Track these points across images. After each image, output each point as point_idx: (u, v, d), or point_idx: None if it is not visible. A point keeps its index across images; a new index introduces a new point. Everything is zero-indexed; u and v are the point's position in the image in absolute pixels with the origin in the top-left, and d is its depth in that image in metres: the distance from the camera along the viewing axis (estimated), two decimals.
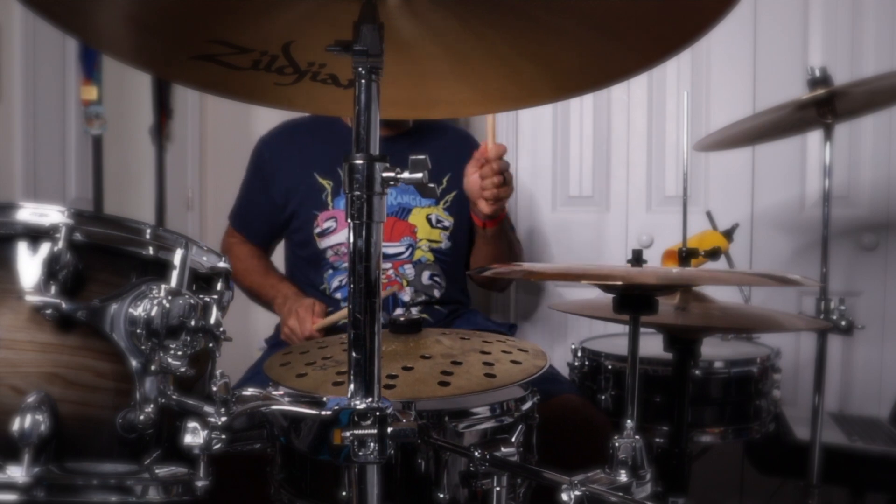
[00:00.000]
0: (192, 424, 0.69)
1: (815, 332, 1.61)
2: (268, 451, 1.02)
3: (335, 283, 1.71)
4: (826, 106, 1.53)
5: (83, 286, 0.70)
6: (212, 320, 0.74)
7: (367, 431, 0.69)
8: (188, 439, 0.69)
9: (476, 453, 0.88)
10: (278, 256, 1.91)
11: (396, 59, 0.77)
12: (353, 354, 0.70)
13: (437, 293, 1.73)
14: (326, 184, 1.72)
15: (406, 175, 0.71)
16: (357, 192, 0.69)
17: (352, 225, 0.70)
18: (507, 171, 1.54)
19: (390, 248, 1.70)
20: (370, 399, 0.70)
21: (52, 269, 0.67)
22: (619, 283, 0.92)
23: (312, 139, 1.79)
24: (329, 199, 1.71)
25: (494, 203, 1.55)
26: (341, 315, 1.55)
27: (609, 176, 2.34)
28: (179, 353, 0.71)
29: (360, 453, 0.70)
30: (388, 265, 1.69)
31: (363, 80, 0.71)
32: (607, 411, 1.57)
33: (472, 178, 1.56)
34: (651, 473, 0.86)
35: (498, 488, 0.89)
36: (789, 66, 2.09)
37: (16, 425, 0.63)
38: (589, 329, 2.18)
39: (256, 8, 0.76)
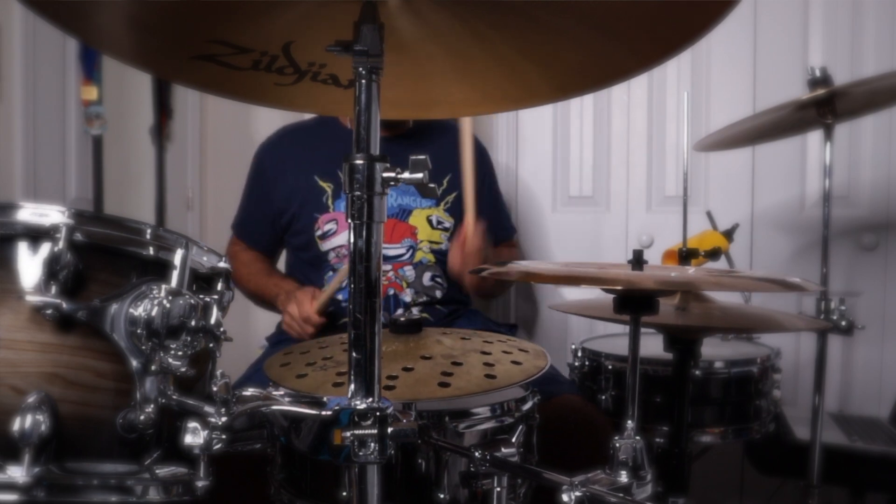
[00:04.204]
0: (192, 424, 0.69)
1: (815, 332, 1.61)
2: (268, 451, 1.02)
3: None
4: (826, 106, 1.53)
5: (83, 286, 0.70)
6: (212, 320, 0.74)
7: (367, 431, 0.69)
8: (188, 439, 0.69)
9: (476, 454, 0.88)
10: (279, 262, 1.92)
11: (396, 59, 0.77)
12: (354, 354, 0.70)
13: (438, 294, 1.73)
14: (327, 186, 1.72)
15: (406, 175, 0.71)
16: (357, 193, 0.69)
17: (352, 225, 0.70)
18: (486, 258, 1.61)
19: (391, 250, 1.70)
20: (370, 399, 0.70)
21: (52, 269, 0.67)
22: (619, 287, 0.92)
23: (311, 142, 1.79)
24: (329, 201, 1.71)
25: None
26: (337, 283, 1.54)
27: (609, 176, 2.34)
28: (180, 353, 0.71)
29: (361, 453, 0.70)
30: (388, 267, 1.69)
31: (363, 80, 0.71)
32: (607, 411, 1.57)
33: (455, 261, 1.63)
34: (652, 474, 0.86)
35: (498, 489, 0.89)
36: (789, 66, 2.09)
37: (16, 425, 0.63)
38: (589, 329, 2.18)
39: (256, 8, 0.76)
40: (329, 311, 1.67)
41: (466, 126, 1.56)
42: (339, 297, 1.70)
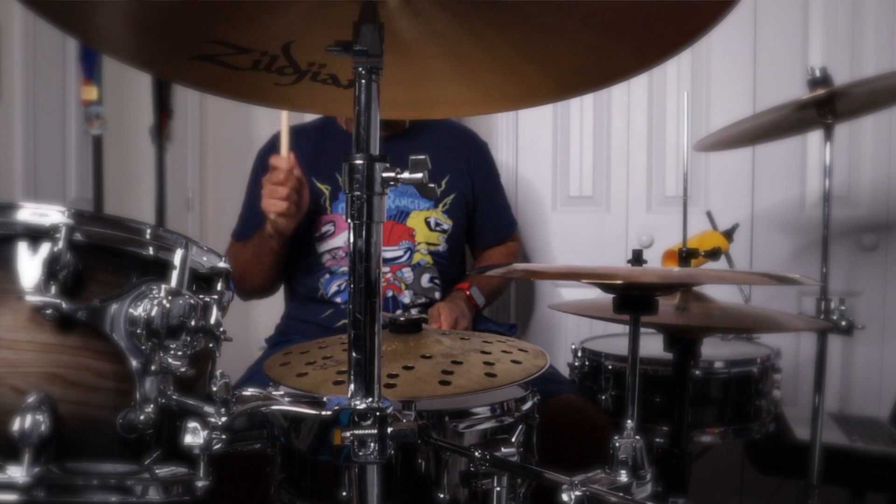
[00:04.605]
0: (192, 424, 0.69)
1: (815, 332, 1.61)
2: (268, 451, 1.02)
3: (333, 288, 1.70)
4: (826, 106, 1.53)
5: (83, 286, 0.69)
6: (212, 320, 0.74)
7: (367, 431, 0.69)
8: (188, 439, 0.69)
9: (476, 453, 0.88)
10: None
11: (396, 59, 0.77)
12: (353, 354, 0.70)
13: (437, 295, 1.73)
14: (324, 188, 1.72)
15: (406, 175, 0.71)
16: (357, 193, 0.69)
17: (352, 225, 0.70)
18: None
19: (389, 252, 1.69)
20: (370, 399, 0.70)
21: (52, 269, 0.67)
22: (620, 282, 0.92)
23: (310, 145, 1.79)
24: (327, 203, 1.71)
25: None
26: (285, 123, 1.48)
27: (609, 176, 2.34)
28: (179, 353, 0.71)
29: (361, 453, 0.70)
30: (387, 269, 1.69)
31: (363, 81, 0.71)
32: (607, 411, 1.57)
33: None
34: (651, 473, 0.86)
35: (498, 488, 0.89)
36: (789, 66, 2.09)
37: (16, 425, 0.63)
38: (589, 329, 2.18)
39: (256, 8, 0.76)
40: (328, 314, 1.67)
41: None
42: (338, 299, 1.70)
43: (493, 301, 1.91)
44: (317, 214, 1.71)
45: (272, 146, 1.83)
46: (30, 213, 0.70)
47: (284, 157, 1.50)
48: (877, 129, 2.06)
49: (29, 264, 0.69)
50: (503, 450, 0.91)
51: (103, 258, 0.72)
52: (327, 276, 1.71)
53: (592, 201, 2.36)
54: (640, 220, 2.30)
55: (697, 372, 1.49)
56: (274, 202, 1.50)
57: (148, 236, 0.74)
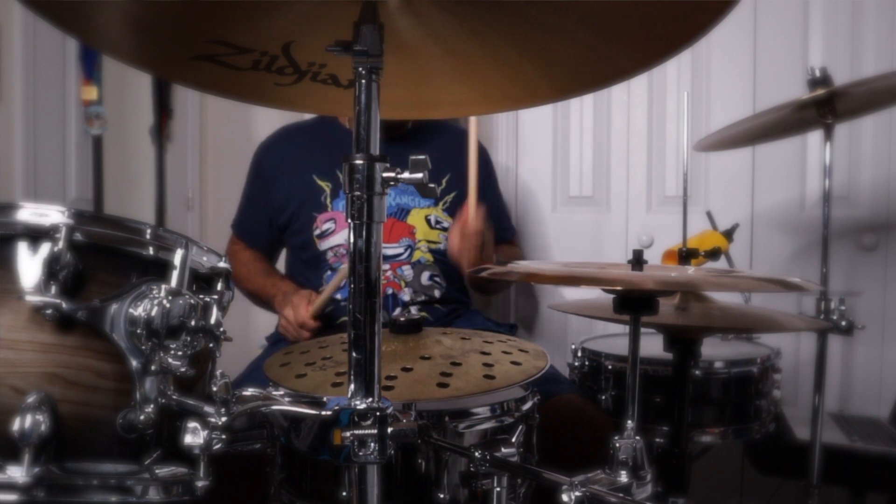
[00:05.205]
0: (192, 424, 0.69)
1: (815, 332, 1.61)
2: (268, 451, 1.02)
3: None
4: (826, 106, 1.53)
5: (83, 286, 0.69)
6: (212, 320, 0.74)
7: (367, 431, 0.69)
8: (188, 439, 0.69)
9: (476, 453, 0.88)
10: (279, 261, 1.92)
11: (396, 59, 0.77)
12: (354, 354, 0.70)
13: (437, 293, 1.73)
14: (325, 185, 1.72)
15: (406, 175, 0.71)
16: (357, 193, 0.69)
17: (352, 225, 0.70)
18: (485, 242, 1.59)
19: (389, 250, 1.70)
20: (370, 399, 0.70)
21: (52, 269, 0.67)
22: (619, 288, 0.92)
23: (310, 142, 1.79)
24: (328, 200, 1.71)
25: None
26: (332, 287, 1.55)
27: (609, 176, 2.34)
28: (179, 353, 0.71)
29: (361, 453, 0.70)
30: (387, 266, 1.69)
31: (363, 81, 0.71)
32: (607, 411, 1.57)
33: (454, 243, 1.60)
34: (651, 474, 0.86)
35: (498, 489, 0.89)
36: (789, 66, 2.09)
37: (16, 425, 0.63)
38: (589, 329, 2.18)
39: (256, 8, 0.76)
40: (328, 311, 1.67)
41: (473, 120, 1.56)
42: (339, 296, 1.70)
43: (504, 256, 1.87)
44: (317, 212, 1.71)
45: (273, 142, 1.84)
46: (30, 213, 0.70)
47: (311, 321, 1.57)
48: (877, 129, 2.06)
49: (29, 264, 0.69)
50: (503, 450, 0.91)
51: (103, 258, 0.72)
52: (329, 272, 1.72)
53: (592, 201, 2.36)
54: (640, 220, 2.30)
55: (697, 372, 1.49)
56: (292, 336, 1.61)
57: (148, 236, 0.74)
